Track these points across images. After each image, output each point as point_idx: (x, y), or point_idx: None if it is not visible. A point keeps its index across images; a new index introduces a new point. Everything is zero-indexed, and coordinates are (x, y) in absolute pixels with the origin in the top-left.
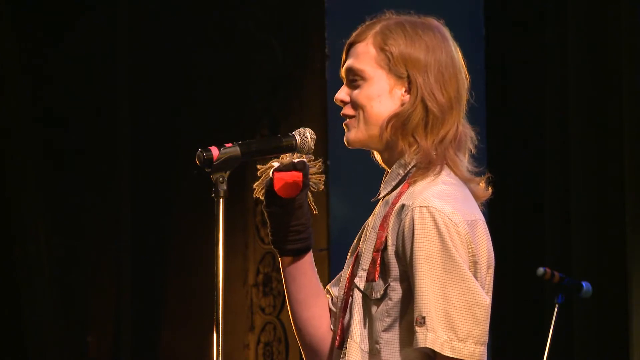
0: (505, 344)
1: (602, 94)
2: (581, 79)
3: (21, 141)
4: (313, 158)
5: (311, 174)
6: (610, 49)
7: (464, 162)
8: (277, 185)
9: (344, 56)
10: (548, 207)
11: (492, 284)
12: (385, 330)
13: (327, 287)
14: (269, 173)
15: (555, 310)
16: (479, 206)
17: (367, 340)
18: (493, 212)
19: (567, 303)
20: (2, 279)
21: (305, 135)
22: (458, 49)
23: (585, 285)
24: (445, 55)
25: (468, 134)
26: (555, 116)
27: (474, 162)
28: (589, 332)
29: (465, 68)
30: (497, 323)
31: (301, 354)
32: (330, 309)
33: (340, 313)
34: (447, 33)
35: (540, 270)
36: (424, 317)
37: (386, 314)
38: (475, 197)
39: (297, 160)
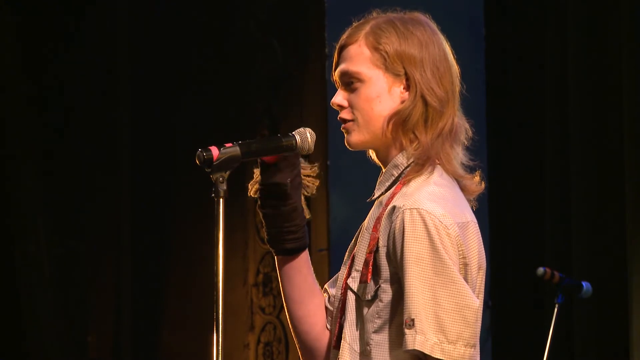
0: (505, 344)
1: (602, 94)
2: (581, 79)
3: (21, 141)
4: (311, 167)
5: (306, 176)
6: (610, 49)
7: (459, 155)
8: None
9: (335, 60)
10: (548, 207)
11: (483, 285)
12: (376, 331)
13: (325, 286)
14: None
15: (555, 310)
16: (471, 202)
17: (359, 341)
18: (493, 212)
19: (567, 303)
20: (2, 279)
21: (305, 135)
22: (446, 41)
23: (585, 285)
24: (437, 49)
25: (462, 125)
26: (555, 116)
27: (469, 155)
28: (589, 332)
29: (454, 59)
30: (497, 323)
31: None
32: (326, 308)
33: (338, 313)
34: (435, 27)
35: (540, 270)
36: (413, 320)
37: (377, 316)
38: (469, 192)
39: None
